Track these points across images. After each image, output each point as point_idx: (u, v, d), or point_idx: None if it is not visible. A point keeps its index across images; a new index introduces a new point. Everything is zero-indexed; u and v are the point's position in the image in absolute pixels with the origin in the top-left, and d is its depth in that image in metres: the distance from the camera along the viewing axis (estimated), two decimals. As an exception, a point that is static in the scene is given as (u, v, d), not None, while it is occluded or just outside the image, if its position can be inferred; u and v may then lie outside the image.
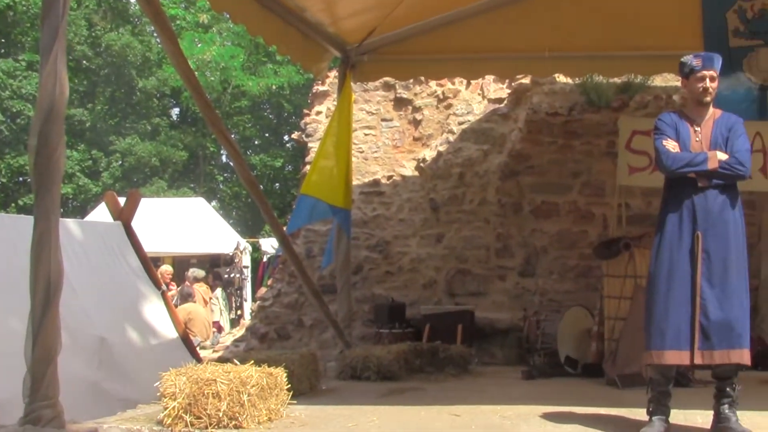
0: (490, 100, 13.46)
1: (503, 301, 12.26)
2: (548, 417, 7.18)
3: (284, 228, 10.94)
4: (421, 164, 13.19)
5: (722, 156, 6.48)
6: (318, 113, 14.26)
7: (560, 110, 12.48)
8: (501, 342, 11.93)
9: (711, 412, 6.52)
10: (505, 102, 13.23)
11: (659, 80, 12.36)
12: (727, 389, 6.46)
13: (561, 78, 12.63)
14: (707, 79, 6.59)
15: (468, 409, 7.56)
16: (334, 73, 13.27)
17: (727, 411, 6.41)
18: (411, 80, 13.45)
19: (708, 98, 6.64)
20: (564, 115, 12.45)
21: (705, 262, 6.38)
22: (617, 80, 12.33)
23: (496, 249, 12.49)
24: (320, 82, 14.36)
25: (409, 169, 13.44)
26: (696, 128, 6.66)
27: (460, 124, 13.31)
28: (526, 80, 12.88)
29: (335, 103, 12.03)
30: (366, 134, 13.77)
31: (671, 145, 6.56)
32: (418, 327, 11.58)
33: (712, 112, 6.73)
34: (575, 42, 11.06)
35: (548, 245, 12.32)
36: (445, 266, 12.61)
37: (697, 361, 6.32)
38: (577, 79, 12.45)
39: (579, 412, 7.34)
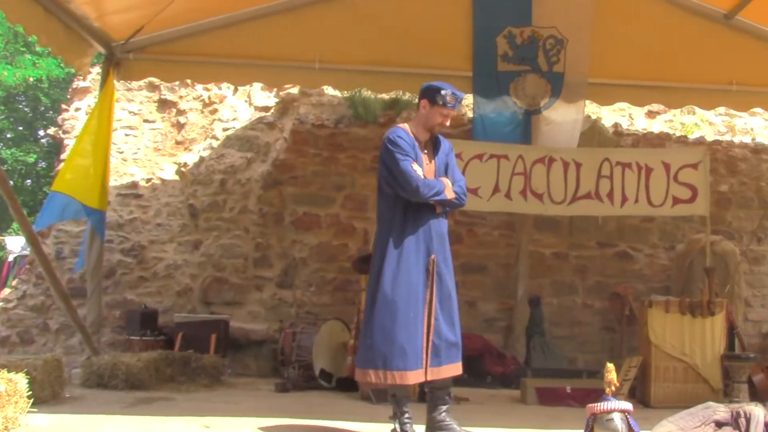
0: (256, 108, 13.34)
1: (259, 311, 12.13)
2: (300, 430, 7.14)
3: (34, 228, 10.51)
4: (182, 169, 12.92)
5: (450, 184, 6.86)
6: (77, 109, 13.76)
7: (327, 122, 12.50)
8: (255, 353, 11.81)
9: (467, 428, 6.72)
10: (272, 111, 13.16)
11: (427, 98, 12.57)
12: (446, 397, 6.84)
13: (329, 90, 12.64)
14: (450, 119, 6.97)
15: (219, 421, 7.44)
16: (97, 70, 12.87)
17: (448, 419, 6.76)
18: (177, 82, 13.17)
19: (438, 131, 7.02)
20: (330, 127, 12.48)
21: (438, 285, 6.72)
22: (385, 96, 12.49)
23: (254, 259, 12.35)
24: (82, 77, 13.90)
25: (169, 173, 13.14)
26: (425, 151, 6.96)
27: (225, 130, 13.14)
28: (295, 90, 12.86)
29: (97, 100, 11.62)
30: (127, 135, 13.38)
31: (420, 171, 6.77)
32: (171, 335, 11.30)
33: (431, 135, 7.05)
34: (346, 55, 11.09)
35: (308, 257, 12.27)
36: (201, 274, 12.37)
37: (429, 377, 6.67)
38: (345, 92, 12.50)
39: (331, 426, 7.38)
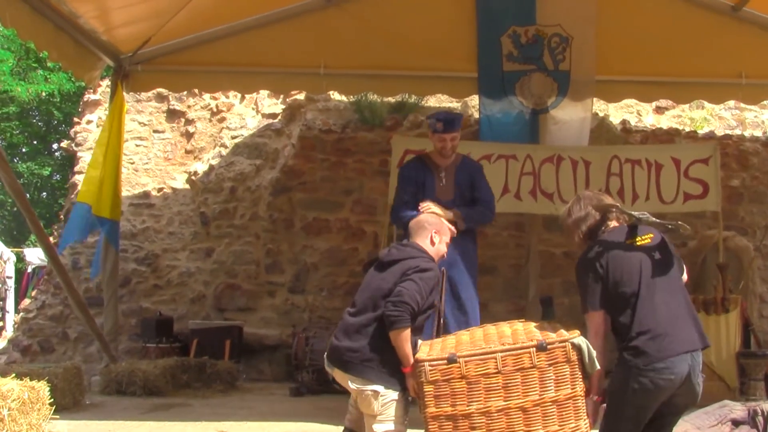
0: (264, 115, 13.44)
1: (272, 317, 12.21)
2: (314, 433, 7.22)
3: (51, 239, 10.62)
4: (193, 177, 13.03)
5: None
6: (89, 122, 13.91)
7: (334, 127, 12.56)
8: (269, 358, 11.88)
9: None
10: (279, 117, 13.24)
11: (433, 101, 12.58)
12: None
13: (335, 95, 12.73)
14: (447, 140, 7.66)
15: (234, 426, 7.55)
16: (106, 82, 12.97)
17: None
18: (185, 92, 13.29)
19: (450, 153, 7.74)
20: (337, 132, 12.53)
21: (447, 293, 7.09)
22: (391, 99, 12.50)
23: (266, 265, 12.43)
24: (92, 90, 14.02)
25: (180, 182, 13.27)
26: (441, 174, 7.69)
27: (233, 138, 13.24)
28: (301, 96, 12.93)
29: (107, 112, 11.70)
30: (137, 145, 13.52)
31: (407, 199, 7.62)
32: (186, 342, 11.41)
33: (455, 157, 7.81)
34: (350, 60, 11.15)
35: (318, 262, 12.34)
36: (214, 281, 12.47)
37: None
38: (351, 96, 12.58)
39: (345, 428, 7.40)
